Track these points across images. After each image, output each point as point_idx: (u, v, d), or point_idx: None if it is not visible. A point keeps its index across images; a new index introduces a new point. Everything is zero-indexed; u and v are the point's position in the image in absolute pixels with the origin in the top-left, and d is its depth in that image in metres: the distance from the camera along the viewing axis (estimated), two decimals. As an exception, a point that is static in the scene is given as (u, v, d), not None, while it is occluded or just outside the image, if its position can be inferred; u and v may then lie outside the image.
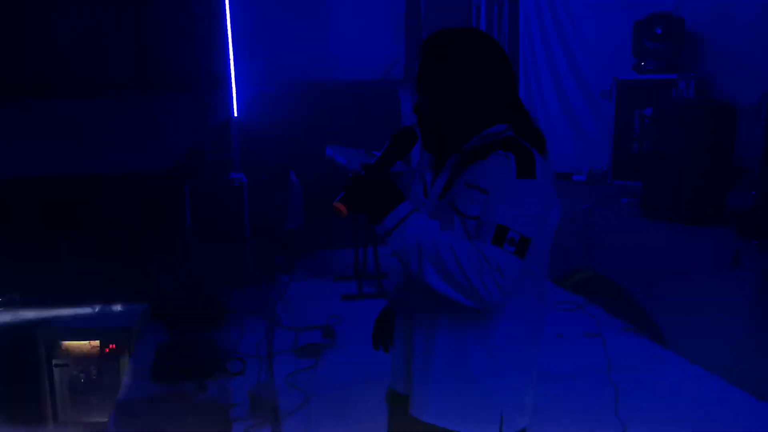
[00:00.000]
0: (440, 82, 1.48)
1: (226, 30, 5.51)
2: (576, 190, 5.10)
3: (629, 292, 4.11)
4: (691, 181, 3.75)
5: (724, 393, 3.17)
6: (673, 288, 3.68)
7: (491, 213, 1.38)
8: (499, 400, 1.51)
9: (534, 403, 1.62)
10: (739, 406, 3.05)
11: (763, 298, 3.08)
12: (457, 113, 1.49)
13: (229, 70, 5.55)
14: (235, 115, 5.70)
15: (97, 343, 4.22)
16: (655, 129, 4.15)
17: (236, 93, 5.71)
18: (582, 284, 4.60)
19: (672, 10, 5.00)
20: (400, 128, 1.52)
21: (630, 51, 5.09)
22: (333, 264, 5.42)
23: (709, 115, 3.77)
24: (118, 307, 4.57)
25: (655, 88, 4.83)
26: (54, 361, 4.24)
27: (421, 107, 1.51)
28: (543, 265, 1.53)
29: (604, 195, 4.72)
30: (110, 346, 4.18)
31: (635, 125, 4.98)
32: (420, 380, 1.57)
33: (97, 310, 4.57)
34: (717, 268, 3.34)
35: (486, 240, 1.34)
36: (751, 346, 3.13)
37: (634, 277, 4.05)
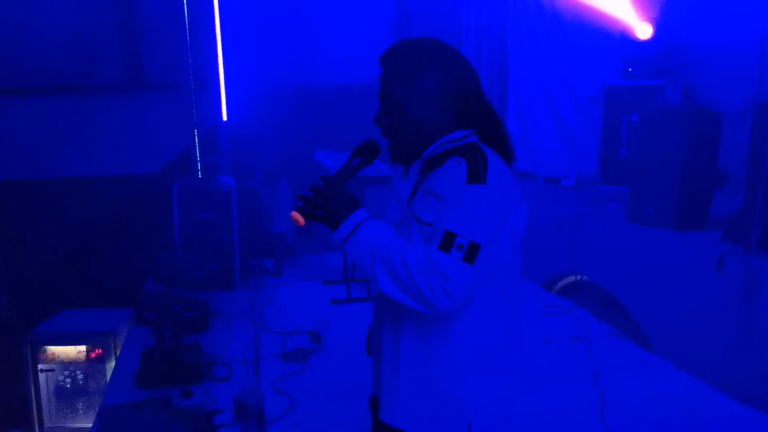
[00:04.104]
0: (396, 93, 1.49)
1: (215, 32, 5.48)
2: (564, 194, 5.12)
3: (616, 297, 4.13)
4: (676, 186, 3.78)
5: (710, 398, 3.18)
6: (658, 292, 3.70)
7: (441, 219, 1.39)
8: (467, 407, 1.50)
9: (511, 412, 1.62)
10: (725, 410, 3.06)
11: (747, 303, 3.10)
12: (413, 123, 1.49)
13: (218, 72, 5.53)
14: (225, 118, 5.68)
15: (83, 348, 4.20)
16: (641, 134, 4.17)
17: (226, 96, 5.70)
18: (569, 288, 4.62)
19: (659, 16, 5.04)
20: (363, 140, 1.55)
21: (618, 57, 5.12)
22: (322, 268, 5.40)
23: (694, 120, 3.80)
24: (104, 312, 4.55)
25: (642, 94, 4.86)
26: (40, 366, 4.21)
27: (380, 118, 1.53)
28: (511, 271, 1.52)
29: (592, 200, 4.73)
30: (96, 351, 4.16)
31: (623, 130, 5.00)
32: (388, 386, 1.58)
33: (83, 314, 4.54)
34: (702, 272, 3.36)
35: (434, 246, 1.35)
36: (735, 350, 3.15)
37: (621, 281, 4.07)
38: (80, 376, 4.25)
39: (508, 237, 1.46)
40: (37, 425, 4.29)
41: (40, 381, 4.21)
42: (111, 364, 4.08)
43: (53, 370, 4.21)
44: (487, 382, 1.52)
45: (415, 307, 1.36)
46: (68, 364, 4.23)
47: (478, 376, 1.51)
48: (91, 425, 4.13)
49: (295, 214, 1.43)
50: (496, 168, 1.43)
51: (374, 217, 1.45)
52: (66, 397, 4.28)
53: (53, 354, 4.22)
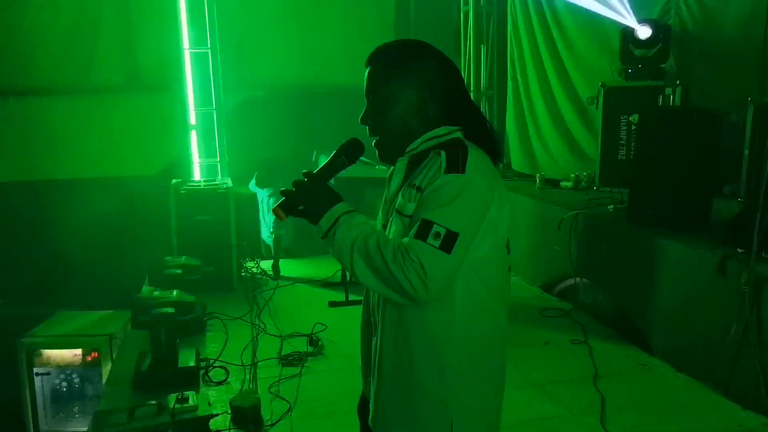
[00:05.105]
0: (380, 92, 1.51)
1: (214, 33, 5.46)
2: (563, 196, 5.09)
3: (616, 299, 4.10)
4: (676, 188, 3.75)
5: (710, 401, 3.16)
6: (659, 295, 3.68)
7: (420, 209, 1.39)
8: (448, 408, 1.49)
9: (496, 412, 1.59)
10: (725, 414, 3.04)
11: (748, 306, 3.07)
12: (397, 121, 1.51)
13: (216, 74, 5.50)
14: (222, 120, 5.66)
15: (79, 351, 4.16)
16: (641, 135, 4.14)
17: (223, 98, 5.67)
18: (569, 291, 4.59)
19: (659, 17, 5.02)
20: (348, 139, 1.56)
21: (617, 57, 5.09)
22: (320, 270, 5.38)
23: (694, 122, 3.77)
24: (100, 314, 4.52)
25: (641, 95, 4.83)
26: (35, 370, 4.18)
27: (366, 117, 1.54)
28: (496, 267, 1.51)
29: (592, 201, 4.71)
30: (92, 354, 4.13)
31: (622, 132, 4.98)
32: (373, 390, 1.58)
33: (79, 316, 4.51)
34: (703, 275, 3.33)
35: (411, 235, 1.35)
36: (736, 353, 3.13)
37: (621, 283, 4.05)
38: (76, 380, 4.21)
39: (490, 231, 1.44)
40: (32, 429, 4.26)
41: (36, 385, 4.17)
42: (107, 368, 4.05)
43: (49, 374, 4.17)
44: (471, 382, 1.50)
45: (392, 296, 1.36)
46: (64, 368, 4.19)
47: (462, 375, 1.49)
48: (86, 430, 4.11)
49: (277, 209, 1.45)
50: (476, 160, 1.43)
51: (355, 211, 1.45)
52: (62, 401, 4.25)
53: (49, 357, 4.18)
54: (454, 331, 1.47)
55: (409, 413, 1.51)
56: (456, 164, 1.39)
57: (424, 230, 1.33)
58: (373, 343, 1.57)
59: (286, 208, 1.45)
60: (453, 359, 1.47)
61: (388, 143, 1.54)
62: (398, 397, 1.52)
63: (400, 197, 1.48)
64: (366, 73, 1.54)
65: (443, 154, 1.41)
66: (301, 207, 1.45)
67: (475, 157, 1.43)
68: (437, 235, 1.32)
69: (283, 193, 1.46)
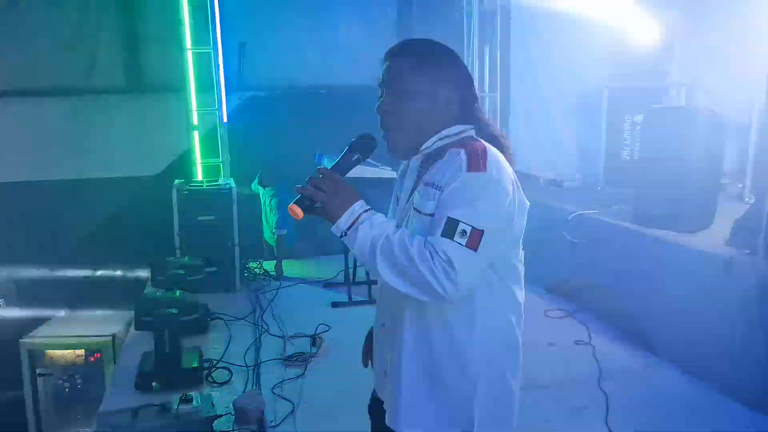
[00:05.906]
0: (410, 83, 1.49)
1: (216, 33, 5.45)
2: (567, 196, 5.08)
3: (620, 300, 4.09)
4: (681, 188, 3.74)
5: (716, 402, 3.15)
6: (664, 296, 3.66)
7: (443, 207, 1.39)
8: (471, 404, 1.50)
9: (514, 409, 1.61)
10: (731, 415, 3.03)
11: (754, 307, 3.05)
12: (419, 115, 1.50)
13: (218, 74, 5.49)
14: (225, 120, 5.64)
15: (81, 352, 4.17)
16: (646, 135, 4.13)
17: (226, 98, 5.66)
18: (573, 291, 4.58)
19: (662, 17, 5.01)
20: (360, 135, 1.54)
21: (622, 58, 5.09)
22: (323, 271, 5.37)
23: (699, 122, 3.76)
24: (103, 315, 4.52)
25: (646, 95, 4.82)
26: (38, 371, 4.18)
27: (381, 107, 1.53)
28: (513, 265, 1.52)
29: (596, 202, 4.69)
30: (95, 355, 4.13)
31: (626, 132, 4.97)
32: (392, 389, 1.58)
33: (82, 317, 4.51)
34: (708, 275, 3.32)
35: (437, 233, 1.35)
36: (742, 354, 3.11)
37: (625, 284, 4.03)
38: (79, 381, 4.22)
39: (510, 228, 1.45)
40: (35, 431, 4.25)
41: (39, 385, 4.17)
42: (110, 369, 4.05)
43: (52, 375, 4.17)
44: (492, 378, 1.52)
45: (419, 296, 1.35)
46: (67, 368, 4.19)
47: (483, 372, 1.50)
48: (89, 431, 4.11)
49: (294, 207, 1.40)
50: (496, 158, 1.43)
51: (373, 210, 1.44)
52: (64, 401, 4.25)
53: (52, 358, 4.18)
54: (475, 330, 1.48)
55: (433, 411, 1.52)
56: (477, 162, 1.39)
57: (450, 229, 1.33)
58: (393, 345, 1.57)
59: (303, 206, 1.41)
60: (475, 357, 1.49)
61: (400, 138, 1.52)
62: (421, 396, 1.52)
63: (417, 195, 1.48)
64: (388, 64, 1.52)
65: (463, 152, 1.41)
66: (318, 204, 1.42)
67: (495, 155, 1.43)
68: (463, 233, 1.33)
69: (298, 190, 1.42)
